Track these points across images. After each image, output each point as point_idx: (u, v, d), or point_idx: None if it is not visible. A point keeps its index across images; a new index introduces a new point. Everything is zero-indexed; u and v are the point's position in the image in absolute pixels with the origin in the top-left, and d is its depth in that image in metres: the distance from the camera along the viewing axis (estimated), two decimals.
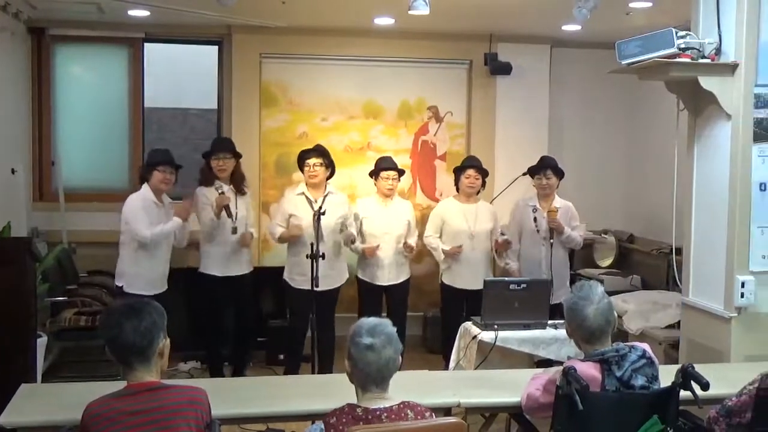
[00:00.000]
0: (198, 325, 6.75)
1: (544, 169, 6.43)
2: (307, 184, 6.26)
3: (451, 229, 6.54)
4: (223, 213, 6.14)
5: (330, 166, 6.28)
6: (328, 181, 6.33)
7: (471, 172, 6.53)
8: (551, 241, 6.29)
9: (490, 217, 6.61)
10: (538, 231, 6.36)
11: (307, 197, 6.21)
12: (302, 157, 6.26)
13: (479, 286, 6.31)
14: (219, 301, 6.43)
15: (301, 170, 6.29)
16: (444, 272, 6.62)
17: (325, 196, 6.20)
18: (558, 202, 6.45)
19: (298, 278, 6.19)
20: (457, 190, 6.67)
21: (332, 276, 6.18)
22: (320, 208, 5.87)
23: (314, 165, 6.19)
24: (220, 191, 6.11)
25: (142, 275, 5.84)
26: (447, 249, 6.46)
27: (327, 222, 6.02)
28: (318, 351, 6.05)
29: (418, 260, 6.92)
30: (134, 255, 5.84)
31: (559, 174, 6.47)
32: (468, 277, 6.48)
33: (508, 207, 6.99)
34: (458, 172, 6.63)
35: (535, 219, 6.36)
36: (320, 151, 6.27)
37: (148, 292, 5.65)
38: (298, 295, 6.19)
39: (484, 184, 6.63)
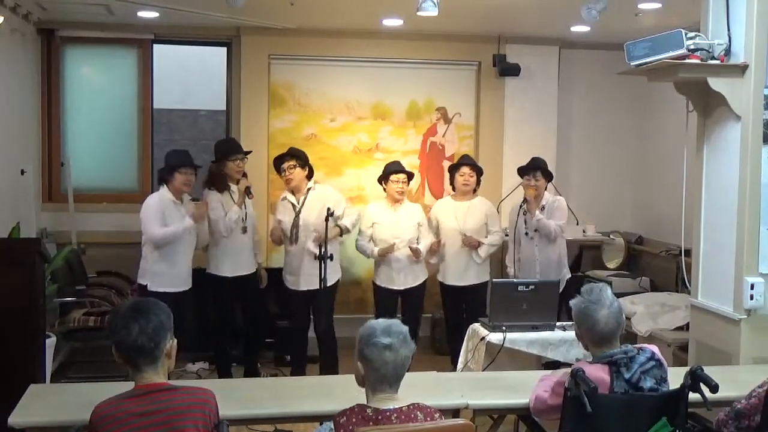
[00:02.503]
0: (207, 326, 6.77)
1: (534, 170, 6.45)
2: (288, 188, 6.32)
3: (442, 228, 6.62)
4: (230, 215, 6.19)
5: (306, 165, 6.31)
6: (311, 180, 6.37)
7: (465, 169, 6.58)
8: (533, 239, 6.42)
9: (483, 214, 6.62)
10: (527, 233, 6.42)
11: (289, 201, 6.29)
12: (277, 164, 6.31)
13: (470, 282, 6.54)
14: (228, 302, 6.44)
15: (280, 176, 6.34)
16: (439, 271, 6.70)
17: (306, 194, 6.26)
18: (548, 197, 6.49)
19: (288, 278, 6.35)
20: (453, 189, 6.72)
21: (327, 274, 6.04)
22: (329, 209, 5.92)
23: (288, 167, 6.23)
24: (243, 189, 6.20)
25: (165, 273, 5.87)
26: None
27: (307, 218, 6.13)
28: (322, 351, 6.09)
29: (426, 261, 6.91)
30: (156, 253, 5.86)
31: (548, 176, 6.50)
32: (457, 273, 6.59)
33: None
34: (453, 170, 6.69)
35: (525, 221, 6.42)
36: (293, 154, 6.31)
37: (172, 289, 5.71)
38: (292, 295, 6.34)
39: (479, 181, 6.65)
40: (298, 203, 6.24)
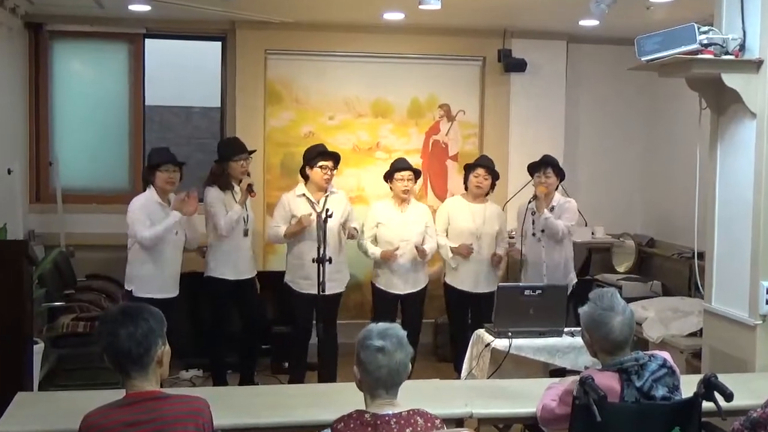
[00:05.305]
0: (202, 332, 6.69)
1: (545, 166, 6.37)
2: (310, 184, 6.18)
3: (456, 228, 6.50)
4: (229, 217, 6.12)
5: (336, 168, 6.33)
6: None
7: (480, 171, 6.48)
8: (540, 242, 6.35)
9: (498, 220, 6.56)
10: (533, 233, 6.35)
11: (308, 198, 6.17)
12: (316, 156, 6.14)
13: (483, 289, 6.45)
14: (227, 306, 6.36)
15: (308, 168, 6.16)
16: (448, 273, 6.58)
17: (327, 196, 6.16)
18: (558, 198, 6.42)
19: (302, 282, 6.15)
20: (466, 188, 6.62)
21: (338, 279, 6.11)
22: (327, 210, 5.78)
23: (331, 169, 6.16)
24: (245, 186, 6.18)
25: (151, 278, 5.83)
26: (455, 246, 6.40)
27: (331, 223, 5.94)
28: (322, 358, 6.05)
29: (429, 264, 6.77)
30: (142, 258, 5.83)
31: (560, 174, 6.42)
32: (472, 279, 6.49)
33: None
34: (468, 169, 6.59)
35: (533, 222, 6.34)
36: (337, 157, 6.25)
37: (158, 296, 5.63)
38: (301, 300, 6.14)
39: (493, 186, 6.55)
40: (318, 203, 6.11)
